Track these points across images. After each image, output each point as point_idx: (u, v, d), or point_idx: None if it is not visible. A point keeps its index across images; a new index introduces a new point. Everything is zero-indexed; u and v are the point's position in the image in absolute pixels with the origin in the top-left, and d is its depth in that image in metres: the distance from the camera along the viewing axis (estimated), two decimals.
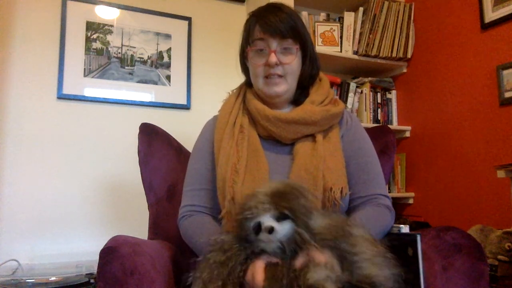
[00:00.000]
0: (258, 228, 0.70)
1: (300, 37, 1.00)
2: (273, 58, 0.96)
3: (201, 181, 1.05)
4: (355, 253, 0.71)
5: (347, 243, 0.71)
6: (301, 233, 0.70)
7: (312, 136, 1.00)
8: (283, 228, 0.70)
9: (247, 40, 1.03)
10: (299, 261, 0.69)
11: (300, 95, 1.07)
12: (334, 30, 2.10)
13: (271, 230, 0.69)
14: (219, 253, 0.74)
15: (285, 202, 0.71)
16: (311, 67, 1.07)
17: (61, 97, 1.75)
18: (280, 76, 0.99)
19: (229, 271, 0.71)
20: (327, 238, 0.71)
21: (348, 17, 2.11)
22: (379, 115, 2.16)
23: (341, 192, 0.92)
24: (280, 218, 0.70)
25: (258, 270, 0.71)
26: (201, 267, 0.74)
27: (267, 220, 0.70)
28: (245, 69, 1.11)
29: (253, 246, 0.73)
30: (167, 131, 1.38)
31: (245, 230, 0.73)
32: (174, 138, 1.38)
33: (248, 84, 1.11)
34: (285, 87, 1.01)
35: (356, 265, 0.71)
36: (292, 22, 0.98)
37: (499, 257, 1.35)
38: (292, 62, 0.99)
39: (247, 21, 1.05)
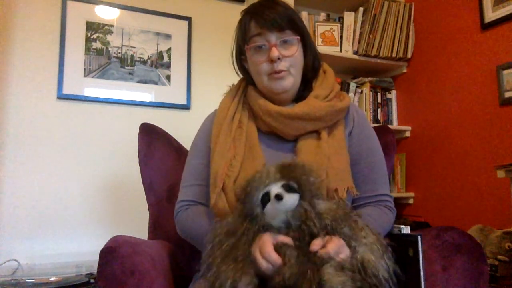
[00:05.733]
0: (266, 198, 0.71)
1: (298, 28, 0.96)
2: (274, 53, 0.91)
3: (197, 176, 1.02)
4: (355, 238, 0.71)
5: (349, 228, 0.72)
6: (306, 208, 0.71)
7: (316, 133, 0.96)
8: (291, 198, 0.71)
9: (244, 39, 0.98)
10: (317, 244, 0.69)
11: (303, 91, 1.02)
12: (334, 30, 2.10)
13: (280, 197, 0.69)
14: (228, 237, 0.73)
15: (294, 174, 0.72)
16: (313, 58, 1.02)
17: (61, 97, 1.75)
18: (284, 70, 0.94)
19: (242, 252, 0.71)
20: (330, 220, 0.72)
21: (348, 17, 2.11)
22: (379, 115, 2.16)
23: (347, 192, 0.89)
24: (288, 190, 0.71)
25: (267, 245, 0.69)
26: (211, 253, 0.73)
27: (276, 189, 0.71)
28: (241, 68, 1.07)
29: (258, 222, 0.73)
30: (167, 131, 1.38)
31: (251, 203, 0.73)
32: (174, 138, 1.38)
33: (247, 81, 1.07)
34: (291, 80, 0.96)
35: (354, 249, 0.71)
36: (288, 13, 0.94)
37: (499, 257, 1.35)
38: (295, 54, 0.95)
39: (241, 19, 1.00)
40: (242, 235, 0.72)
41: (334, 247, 0.69)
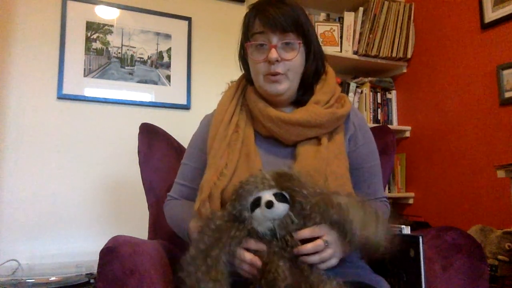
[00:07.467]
0: (257, 203, 0.71)
1: (303, 31, 0.93)
2: (273, 54, 0.89)
3: (185, 178, 1.06)
4: (347, 221, 0.73)
5: (337, 214, 0.73)
6: (293, 219, 0.72)
7: (316, 138, 0.94)
8: (280, 207, 0.71)
9: (246, 35, 0.97)
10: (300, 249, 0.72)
11: (303, 95, 1.00)
12: (334, 30, 2.10)
13: (270, 204, 0.70)
14: (213, 247, 0.73)
15: (288, 185, 0.72)
16: (316, 64, 0.99)
17: (61, 97, 1.75)
18: (281, 74, 0.92)
19: (221, 265, 0.72)
20: (317, 216, 0.73)
21: (348, 17, 2.11)
22: (379, 115, 2.16)
23: None
24: (279, 199, 0.72)
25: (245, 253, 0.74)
26: (194, 262, 0.73)
27: (268, 196, 0.71)
28: (245, 65, 1.04)
29: (245, 225, 0.74)
30: (167, 131, 1.38)
31: (241, 206, 0.73)
32: (174, 138, 1.38)
33: (247, 78, 1.04)
34: (286, 85, 0.94)
35: (351, 232, 0.73)
36: (294, 15, 0.91)
37: (499, 257, 1.35)
38: (294, 58, 0.92)
39: (246, 14, 0.98)
40: (228, 238, 0.74)
41: (313, 246, 0.73)
